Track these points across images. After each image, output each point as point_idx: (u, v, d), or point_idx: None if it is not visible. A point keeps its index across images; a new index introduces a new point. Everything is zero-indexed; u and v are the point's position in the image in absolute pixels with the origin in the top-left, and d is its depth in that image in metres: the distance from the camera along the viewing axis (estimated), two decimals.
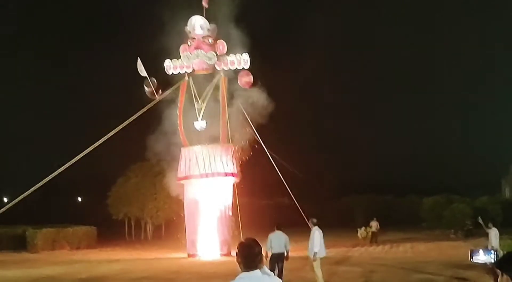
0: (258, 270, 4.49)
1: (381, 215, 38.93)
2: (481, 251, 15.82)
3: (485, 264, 15.49)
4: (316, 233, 15.93)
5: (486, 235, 18.22)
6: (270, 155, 31.52)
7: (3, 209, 27.46)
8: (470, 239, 33.16)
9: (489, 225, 18.41)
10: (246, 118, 30.53)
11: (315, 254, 15.84)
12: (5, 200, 55.69)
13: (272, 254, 15.92)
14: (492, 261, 14.06)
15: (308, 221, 16.74)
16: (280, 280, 4.73)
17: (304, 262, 18.63)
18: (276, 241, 15.95)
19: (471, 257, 15.54)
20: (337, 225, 45.48)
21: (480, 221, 21.22)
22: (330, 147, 60.83)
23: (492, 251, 14.94)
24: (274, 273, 14.56)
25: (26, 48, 70.24)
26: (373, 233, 36.63)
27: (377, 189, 57.31)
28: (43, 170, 33.49)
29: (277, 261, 15.90)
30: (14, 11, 74.30)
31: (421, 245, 32.53)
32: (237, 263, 4.51)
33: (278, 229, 16.29)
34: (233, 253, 26.73)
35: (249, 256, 4.52)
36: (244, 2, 30.43)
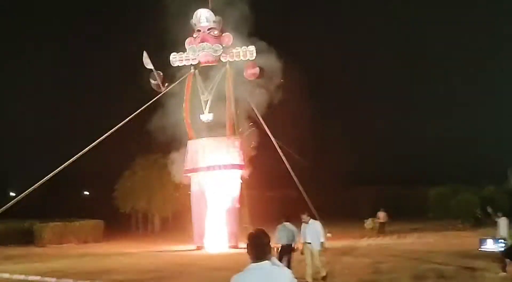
0: (267, 261, 4.49)
1: (388, 206, 38.83)
2: (489, 240, 15.74)
3: (493, 252, 15.41)
4: (317, 225, 16.01)
5: (495, 225, 18.13)
6: (277, 144, 31.51)
7: (11, 203, 27.59)
8: (478, 228, 33.03)
9: (498, 214, 18.34)
10: (253, 109, 30.52)
11: (322, 244, 15.83)
12: (12, 194, 55.84)
13: (281, 246, 15.90)
14: (502, 249, 14.01)
15: (304, 214, 16.25)
16: (290, 271, 4.71)
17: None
18: (284, 233, 15.94)
19: (480, 246, 15.52)
20: (344, 216, 45.46)
21: (490, 210, 21.13)
22: (338, 137, 60.63)
23: (501, 240, 14.88)
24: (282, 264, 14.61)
25: (29, 39, 70.23)
26: (380, 223, 36.58)
27: (383, 180, 57.22)
28: (49, 164, 33.58)
29: (286, 253, 15.85)
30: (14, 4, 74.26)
31: (428, 235, 32.48)
32: (247, 254, 4.50)
33: (287, 220, 16.23)
34: (242, 245, 26.87)
35: (258, 246, 4.53)
36: None
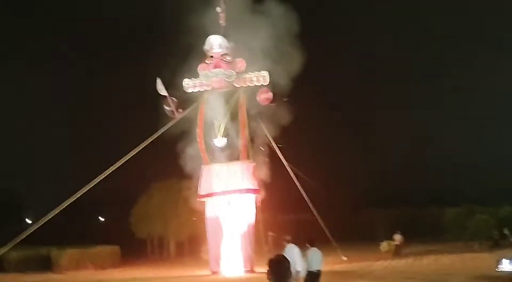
0: None
1: (403, 227, 38.71)
2: (506, 260, 15.74)
3: (510, 273, 15.38)
4: (296, 250, 14.86)
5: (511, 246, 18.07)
6: (290, 168, 31.65)
7: (29, 230, 27.81)
8: (495, 250, 32.84)
9: (508, 234, 18.25)
10: (266, 134, 30.74)
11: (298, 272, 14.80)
12: (28, 221, 56.21)
13: (310, 272, 15.29)
14: None
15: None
16: None
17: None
18: (314, 258, 15.40)
19: (497, 266, 15.57)
20: (359, 238, 45.31)
21: (506, 231, 21.10)
22: (352, 158, 60.65)
23: None
24: None
25: (43, 62, 71.18)
26: (396, 246, 36.43)
27: (398, 201, 56.97)
28: (64, 190, 33.89)
29: (315, 279, 15.37)
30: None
31: (444, 257, 32.29)
32: (267, 280, 4.66)
33: (312, 245, 15.72)
34: (258, 269, 26.89)
35: (279, 271, 4.71)
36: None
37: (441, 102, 75.66)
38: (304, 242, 15.84)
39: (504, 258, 16.19)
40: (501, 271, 16.16)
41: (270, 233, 33.19)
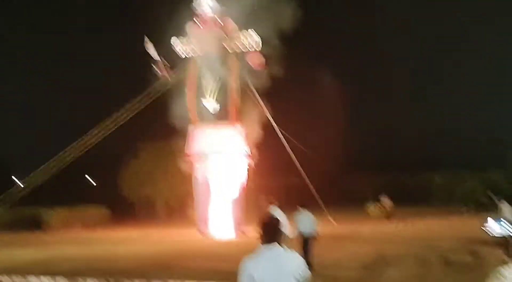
0: (277, 244, 4.61)
1: (391, 192, 38.94)
2: (490, 219, 15.76)
3: (501, 236, 15.43)
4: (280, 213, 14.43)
5: (496, 210, 18.16)
6: (279, 132, 31.60)
7: (20, 191, 27.74)
8: (483, 213, 33.16)
9: (499, 199, 18.39)
10: (256, 97, 30.56)
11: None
12: (17, 180, 56.01)
13: (301, 236, 15.23)
14: (509, 232, 13.99)
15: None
16: (299, 256, 4.80)
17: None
18: (304, 222, 15.24)
19: (483, 225, 15.65)
20: (347, 202, 45.57)
21: (490, 195, 21.25)
22: (340, 123, 60.56)
23: (504, 222, 14.91)
24: (306, 255, 14.56)
25: (29, 31, 70.27)
26: (386, 209, 36.71)
27: (387, 166, 57.17)
28: (53, 150, 33.74)
29: (307, 242, 15.19)
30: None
31: (434, 221, 32.53)
32: (259, 240, 4.64)
33: (303, 208, 15.58)
34: (249, 233, 26.99)
35: (269, 230, 4.67)
36: None
37: (431, 69, 75.43)
38: (294, 205, 15.80)
39: (490, 218, 16.42)
40: (487, 230, 16.39)
41: (264, 197, 33.17)
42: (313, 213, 15.84)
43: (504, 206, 17.37)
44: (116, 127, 31.90)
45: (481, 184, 40.23)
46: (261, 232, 4.71)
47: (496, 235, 16.23)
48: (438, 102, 70.49)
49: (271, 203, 14.51)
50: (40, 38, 69.12)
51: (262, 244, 4.67)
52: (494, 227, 15.94)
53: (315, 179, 34.98)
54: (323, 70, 50.07)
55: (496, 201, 19.13)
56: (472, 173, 44.46)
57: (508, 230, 15.30)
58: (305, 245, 15.13)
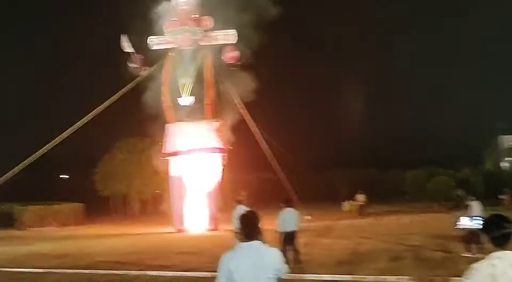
0: (257, 240, 4.75)
1: (365, 189, 39.36)
2: (463, 217, 16.08)
3: (469, 229, 15.70)
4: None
5: (466, 208, 18.50)
6: (255, 129, 31.72)
7: None
8: (454, 210, 33.67)
9: (469, 197, 18.71)
10: (231, 93, 30.64)
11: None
12: None
13: (285, 233, 14.83)
14: (480, 226, 14.39)
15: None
16: (278, 251, 4.94)
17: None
18: (289, 219, 14.83)
19: (456, 223, 15.94)
20: (322, 198, 45.94)
21: (460, 193, 21.61)
22: (315, 121, 61.02)
23: (477, 217, 15.25)
24: (286, 253, 14.56)
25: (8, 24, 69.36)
26: (360, 205, 37.08)
27: (360, 163, 57.77)
28: (27, 146, 33.47)
29: (291, 240, 14.85)
30: None
31: (405, 217, 32.98)
32: (238, 236, 4.77)
33: (288, 205, 15.13)
34: (222, 227, 27.09)
35: (249, 226, 4.80)
36: None
37: (404, 70, 76.21)
38: (269, 201, 15.80)
39: (462, 216, 16.71)
40: (460, 227, 16.71)
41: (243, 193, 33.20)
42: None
43: (473, 204, 17.67)
44: (90, 123, 31.74)
45: (452, 181, 40.89)
46: (241, 228, 4.85)
47: (466, 228, 16.58)
48: (412, 102, 71.26)
49: (238, 201, 14.25)
50: (17, 35, 68.41)
51: (241, 240, 4.80)
52: (466, 224, 16.28)
53: (290, 176, 35.23)
54: (301, 68, 50.37)
55: (465, 199, 19.52)
56: (444, 170, 45.15)
57: (478, 223, 15.66)
58: (290, 242, 14.89)
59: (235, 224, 13.90)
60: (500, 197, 39.52)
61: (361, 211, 36.60)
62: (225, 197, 31.50)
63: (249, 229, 4.83)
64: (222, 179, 30.72)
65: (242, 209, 13.27)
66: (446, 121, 63.74)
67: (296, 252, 15.02)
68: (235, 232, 13.46)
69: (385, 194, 47.42)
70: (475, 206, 17.41)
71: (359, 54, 71.01)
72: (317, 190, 51.47)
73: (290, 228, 14.81)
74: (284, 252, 14.84)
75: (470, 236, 16.18)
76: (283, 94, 41.48)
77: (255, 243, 4.77)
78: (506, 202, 38.59)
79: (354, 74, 71.89)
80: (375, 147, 62.34)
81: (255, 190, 44.91)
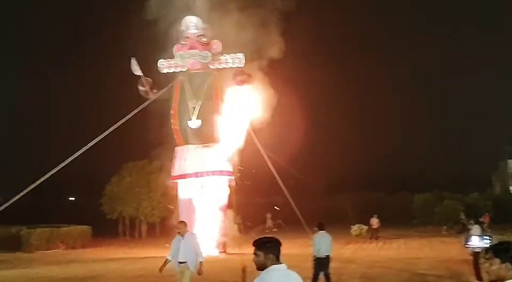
0: (284, 264, 4.92)
1: (373, 213, 39.21)
2: (474, 237, 16.07)
3: (478, 248, 15.56)
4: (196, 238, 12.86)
5: (468, 231, 18.41)
6: (264, 152, 31.74)
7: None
8: (462, 234, 33.50)
9: (470, 222, 18.65)
10: (241, 116, 30.73)
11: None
12: None
13: (319, 258, 14.57)
14: (487, 246, 14.37)
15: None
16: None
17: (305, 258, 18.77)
18: (324, 243, 14.61)
19: (465, 243, 15.91)
20: (330, 222, 45.70)
21: (463, 216, 21.60)
22: (323, 144, 61.06)
23: (487, 237, 15.25)
24: (317, 278, 14.33)
25: (16, 46, 70.08)
26: (374, 229, 36.92)
27: (368, 187, 57.64)
28: (35, 168, 33.60)
29: (325, 265, 14.60)
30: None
31: (414, 241, 32.84)
32: (259, 260, 4.87)
33: (321, 228, 14.90)
34: (230, 251, 26.99)
35: (278, 249, 4.97)
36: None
37: (417, 93, 76.23)
38: (280, 223, 15.78)
39: (473, 235, 16.68)
40: (469, 246, 16.65)
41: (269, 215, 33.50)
42: (296, 232, 15.88)
43: (474, 228, 17.64)
44: (98, 145, 31.86)
45: (460, 205, 40.74)
46: (273, 251, 4.91)
47: (476, 247, 16.50)
48: (421, 125, 71.26)
49: (179, 232, 12.57)
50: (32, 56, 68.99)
51: (270, 263, 4.87)
52: (476, 243, 16.26)
53: (299, 199, 35.18)
54: (309, 91, 50.56)
55: (467, 223, 19.49)
56: (452, 194, 45.05)
57: (487, 243, 15.65)
58: (323, 267, 14.61)
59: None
60: (480, 219, 39.14)
61: (374, 235, 36.39)
62: (232, 219, 31.49)
63: (279, 252, 4.95)
64: (230, 201, 30.71)
65: (191, 236, 12.63)
66: (455, 145, 63.67)
67: (328, 277, 14.73)
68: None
69: (393, 218, 47.17)
70: (475, 231, 17.36)
71: (362, 72, 71.14)
72: (327, 213, 51.22)
73: (323, 253, 14.53)
74: (316, 276, 14.73)
75: (477, 260, 16.12)
76: (292, 116, 41.56)
77: (284, 266, 4.93)
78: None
79: (360, 95, 72.03)
80: (383, 170, 62.29)
81: (264, 214, 44.95)
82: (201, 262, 12.44)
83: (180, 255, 12.37)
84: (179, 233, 12.54)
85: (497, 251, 4.20)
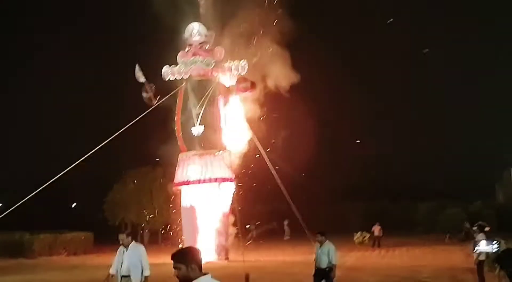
0: (209, 274, 4.80)
1: (376, 221, 39.13)
2: (483, 241, 15.98)
3: (487, 253, 15.44)
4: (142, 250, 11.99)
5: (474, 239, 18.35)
6: (267, 158, 31.75)
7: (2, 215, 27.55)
8: (466, 243, 33.43)
9: (474, 229, 18.57)
10: (244, 122, 30.79)
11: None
12: None
13: (318, 269, 14.04)
14: (494, 250, 14.27)
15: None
16: None
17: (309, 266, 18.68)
18: (323, 254, 13.99)
19: (474, 248, 15.82)
20: (333, 230, 45.63)
21: (467, 225, 21.56)
22: (328, 152, 60.96)
23: (495, 242, 15.14)
24: None
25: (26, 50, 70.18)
26: (376, 237, 36.85)
27: (372, 194, 57.50)
28: (37, 174, 33.58)
29: (324, 277, 13.98)
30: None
31: (416, 249, 32.76)
32: (181, 273, 4.70)
33: (324, 236, 14.26)
34: (233, 258, 26.98)
35: (199, 258, 4.84)
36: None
37: (419, 102, 76.22)
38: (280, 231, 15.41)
39: (482, 240, 16.57)
40: (478, 251, 16.53)
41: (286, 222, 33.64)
42: (299, 240, 15.66)
43: (480, 237, 17.59)
44: (101, 152, 31.85)
45: (464, 213, 40.70)
46: (194, 262, 4.79)
47: (484, 252, 16.39)
48: (424, 133, 71.11)
49: (122, 243, 11.60)
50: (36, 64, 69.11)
51: (195, 274, 4.72)
52: (486, 248, 16.13)
53: (302, 206, 35.12)
54: (312, 98, 50.54)
55: (471, 231, 19.44)
56: (455, 202, 45.00)
57: (496, 248, 15.59)
58: (322, 278, 14.01)
59: None
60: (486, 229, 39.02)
61: (377, 243, 36.33)
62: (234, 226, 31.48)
63: (200, 263, 4.81)
64: (233, 208, 30.72)
65: (137, 247, 11.89)
66: (458, 153, 63.56)
67: None
68: None
69: (396, 226, 47.09)
70: (481, 239, 17.32)
71: (363, 83, 71.14)
72: (330, 221, 51.11)
73: (323, 264, 13.93)
74: None
75: (482, 269, 16.06)
76: (297, 124, 41.57)
77: (209, 277, 4.79)
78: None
79: (369, 105, 72.00)
80: (386, 178, 62.13)
81: (266, 221, 44.92)
82: (146, 276, 11.58)
83: (123, 269, 11.44)
84: (122, 244, 11.62)
85: (500, 259, 4.14)
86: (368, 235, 37.82)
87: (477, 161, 61.00)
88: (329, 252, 13.93)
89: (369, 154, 64.88)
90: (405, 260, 27.26)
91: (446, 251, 30.56)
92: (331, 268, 13.96)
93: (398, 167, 64.33)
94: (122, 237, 11.60)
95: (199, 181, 29.97)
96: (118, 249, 11.62)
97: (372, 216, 42.14)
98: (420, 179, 62.02)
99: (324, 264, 13.91)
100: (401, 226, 47.13)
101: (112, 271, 11.59)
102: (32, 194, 28.66)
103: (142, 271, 11.53)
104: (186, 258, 4.71)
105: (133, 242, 11.75)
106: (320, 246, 14.10)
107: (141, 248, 11.90)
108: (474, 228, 18.34)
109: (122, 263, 11.42)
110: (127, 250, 11.48)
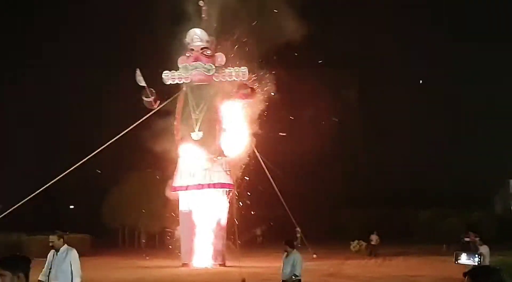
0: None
1: (375, 229, 39.12)
2: (463, 254, 16.02)
3: (468, 265, 15.50)
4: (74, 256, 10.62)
5: (476, 250, 18.35)
6: (265, 165, 31.79)
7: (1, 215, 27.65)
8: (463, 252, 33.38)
9: (477, 238, 18.55)
10: (243, 128, 30.84)
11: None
12: None
13: (283, 281, 12.88)
14: (476, 263, 14.31)
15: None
16: None
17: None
18: (287, 263, 12.90)
19: (456, 260, 15.87)
20: (329, 237, 45.66)
21: (463, 238, 21.60)
22: (326, 160, 60.95)
23: (477, 255, 15.17)
24: None
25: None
26: (373, 246, 36.82)
27: (371, 203, 57.44)
28: (36, 176, 33.61)
29: None
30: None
31: (413, 259, 32.72)
32: (7, 278, 4.37)
33: (291, 246, 13.16)
34: (228, 263, 26.98)
35: (28, 266, 4.59)
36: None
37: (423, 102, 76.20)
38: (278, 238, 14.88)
39: (463, 253, 16.59)
40: (459, 263, 16.59)
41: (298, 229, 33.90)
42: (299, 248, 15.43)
43: (483, 248, 17.62)
44: (101, 155, 31.96)
45: (463, 223, 40.68)
46: (14, 271, 4.40)
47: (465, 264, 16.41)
48: (425, 142, 71.04)
49: (53, 246, 10.58)
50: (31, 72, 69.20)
51: None
52: (465, 261, 16.15)
53: (299, 214, 35.18)
54: (313, 105, 50.62)
55: (476, 242, 19.45)
56: (455, 212, 44.99)
57: (478, 261, 15.60)
58: None
59: None
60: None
61: (373, 251, 36.28)
62: (231, 232, 31.52)
63: (28, 270, 4.54)
64: (230, 214, 30.75)
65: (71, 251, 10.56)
66: (458, 163, 63.50)
67: None
68: None
69: (393, 234, 47.11)
70: (484, 251, 17.34)
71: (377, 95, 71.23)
72: (327, 229, 51.20)
73: (286, 275, 12.87)
74: None
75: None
76: (296, 130, 41.58)
77: None
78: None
79: (369, 112, 72.04)
80: (384, 186, 62.09)
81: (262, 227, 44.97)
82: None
83: (51, 275, 10.21)
84: (52, 247, 10.39)
85: (474, 273, 4.02)
86: (364, 244, 37.77)
87: (476, 172, 60.98)
88: (294, 262, 12.84)
89: (369, 162, 64.95)
90: (401, 269, 27.24)
91: (442, 261, 30.47)
92: (299, 280, 12.89)
93: (398, 175, 64.29)
94: (53, 238, 10.37)
95: (197, 186, 30.02)
96: (49, 254, 10.41)
97: (371, 224, 42.13)
98: (420, 188, 61.97)
99: (286, 275, 12.89)
100: (399, 235, 47.11)
101: (41, 278, 10.20)
102: (31, 195, 28.84)
103: (72, 279, 10.30)
104: (11, 265, 4.42)
105: (65, 245, 10.40)
106: (286, 256, 13.10)
107: (72, 252, 10.43)
108: (477, 239, 18.36)
109: (50, 269, 10.24)
110: (57, 254, 10.29)
